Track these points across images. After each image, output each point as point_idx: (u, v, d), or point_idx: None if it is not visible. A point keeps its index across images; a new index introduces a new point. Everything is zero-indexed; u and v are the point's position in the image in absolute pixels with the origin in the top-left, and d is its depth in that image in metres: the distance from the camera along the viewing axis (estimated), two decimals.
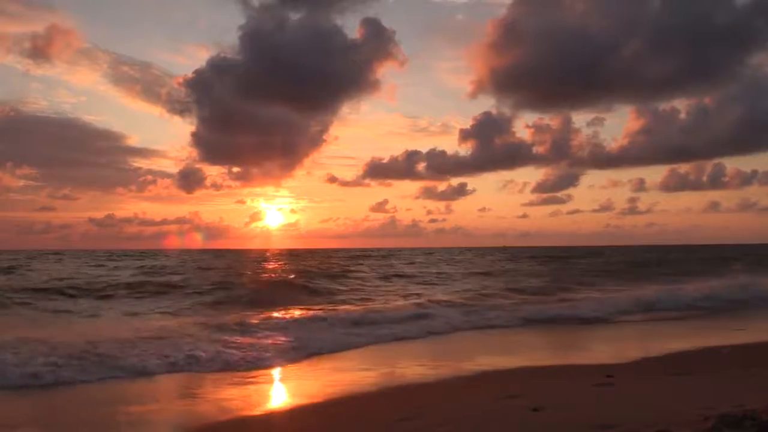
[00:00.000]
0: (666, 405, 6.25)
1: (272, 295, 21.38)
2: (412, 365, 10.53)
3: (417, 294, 23.07)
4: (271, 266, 45.85)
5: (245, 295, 21.31)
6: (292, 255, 79.36)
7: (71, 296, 21.29)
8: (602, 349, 12.81)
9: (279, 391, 9.14)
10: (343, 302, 20.28)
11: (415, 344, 13.42)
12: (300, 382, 9.64)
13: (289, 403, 8.24)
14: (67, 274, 32.69)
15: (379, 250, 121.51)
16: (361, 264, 47.81)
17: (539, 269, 41.28)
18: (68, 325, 15.28)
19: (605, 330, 15.66)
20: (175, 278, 29.13)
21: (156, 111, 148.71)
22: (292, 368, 10.51)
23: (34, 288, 22.71)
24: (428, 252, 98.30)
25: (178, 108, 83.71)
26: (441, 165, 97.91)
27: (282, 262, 54.03)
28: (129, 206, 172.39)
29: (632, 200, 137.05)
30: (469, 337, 14.56)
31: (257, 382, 9.35)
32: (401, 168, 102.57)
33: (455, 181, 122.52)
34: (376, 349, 12.53)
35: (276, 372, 10.23)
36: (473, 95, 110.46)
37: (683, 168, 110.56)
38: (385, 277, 31.98)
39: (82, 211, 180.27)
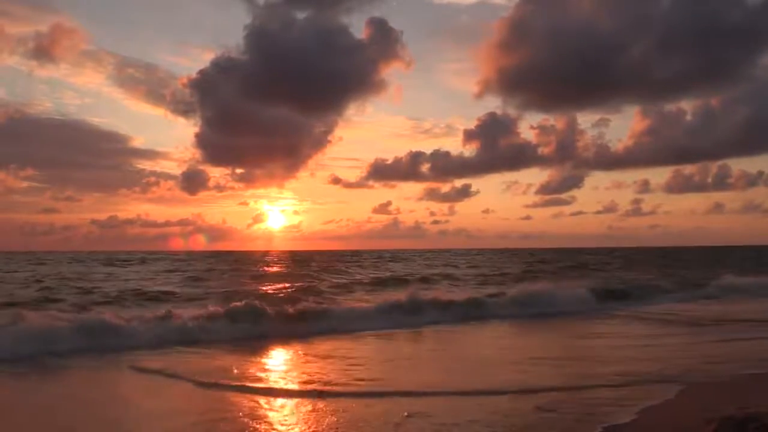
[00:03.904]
0: (671, 409, 6.34)
1: None
2: None
3: None
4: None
5: None
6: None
7: None
8: None
9: None
10: None
11: None
12: None
13: None
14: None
15: (395, 251, 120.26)
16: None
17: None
18: None
19: None
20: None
21: (160, 112, 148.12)
22: None
23: None
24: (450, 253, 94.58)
25: (182, 109, 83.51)
26: (445, 166, 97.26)
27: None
28: (132, 208, 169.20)
29: (636, 201, 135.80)
30: None
31: None
32: (405, 169, 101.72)
33: (459, 183, 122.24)
34: None
35: None
36: (478, 96, 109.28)
37: (688, 169, 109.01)
38: None
39: (85, 212, 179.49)
